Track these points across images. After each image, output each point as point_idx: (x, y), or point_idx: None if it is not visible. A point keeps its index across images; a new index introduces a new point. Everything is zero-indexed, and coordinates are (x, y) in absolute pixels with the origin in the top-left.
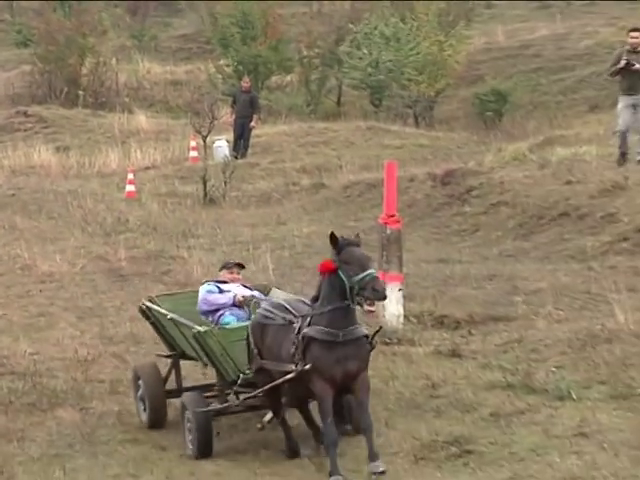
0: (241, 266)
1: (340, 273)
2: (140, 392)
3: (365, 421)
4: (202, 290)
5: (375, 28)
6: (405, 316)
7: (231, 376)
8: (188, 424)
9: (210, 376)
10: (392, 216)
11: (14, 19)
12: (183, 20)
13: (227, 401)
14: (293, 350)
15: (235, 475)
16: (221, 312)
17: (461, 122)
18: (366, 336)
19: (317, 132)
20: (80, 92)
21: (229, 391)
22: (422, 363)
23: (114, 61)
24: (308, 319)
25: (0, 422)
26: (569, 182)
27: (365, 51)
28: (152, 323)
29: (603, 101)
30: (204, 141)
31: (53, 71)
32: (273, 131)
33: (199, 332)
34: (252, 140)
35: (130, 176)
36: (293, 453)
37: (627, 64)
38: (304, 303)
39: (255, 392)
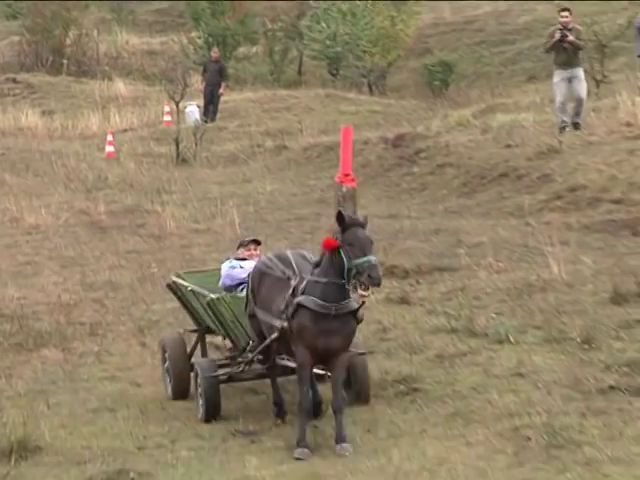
0: (257, 242)
1: (341, 252)
2: (166, 364)
3: (336, 402)
4: (225, 266)
5: (333, 4)
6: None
7: (242, 343)
8: (199, 389)
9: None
10: (347, 175)
11: None
12: None
13: (239, 368)
14: (283, 308)
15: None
16: (243, 286)
17: (411, 90)
18: (355, 311)
19: (280, 99)
20: (64, 61)
21: (241, 359)
22: (374, 309)
23: (95, 33)
24: (304, 283)
25: None
26: (508, 146)
27: (324, 25)
28: (179, 298)
29: (540, 72)
30: (177, 106)
31: (40, 41)
32: (240, 97)
33: (212, 299)
34: (220, 106)
35: (109, 138)
36: (281, 412)
37: (562, 36)
38: (308, 262)
39: (250, 347)
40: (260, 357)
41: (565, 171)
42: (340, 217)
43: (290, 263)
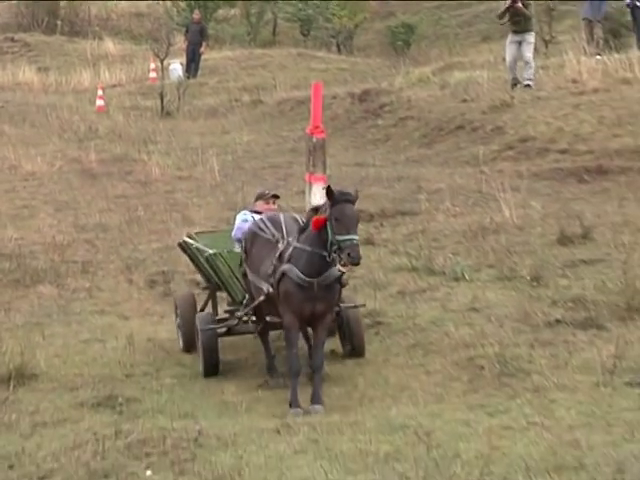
0: (276, 197)
1: (327, 226)
2: (178, 320)
3: (317, 360)
4: (238, 218)
5: None
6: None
7: (239, 297)
8: (199, 342)
9: None
10: (317, 127)
11: None
12: None
13: (234, 322)
14: (270, 272)
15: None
16: None
17: (376, 50)
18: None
19: (256, 57)
20: (58, 22)
21: (239, 313)
22: None
23: None
24: (290, 249)
25: None
26: (465, 100)
27: None
28: (189, 256)
29: (494, 33)
30: (162, 64)
31: (36, 4)
32: (219, 56)
33: (209, 255)
34: (201, 63)
35: (100, 92)
36: (272, 371)
37: (513, 2)
38: (299, 225)
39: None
40: (252, 317)
41: (516, 124)
42: (329, 192)
43: (281, 226)
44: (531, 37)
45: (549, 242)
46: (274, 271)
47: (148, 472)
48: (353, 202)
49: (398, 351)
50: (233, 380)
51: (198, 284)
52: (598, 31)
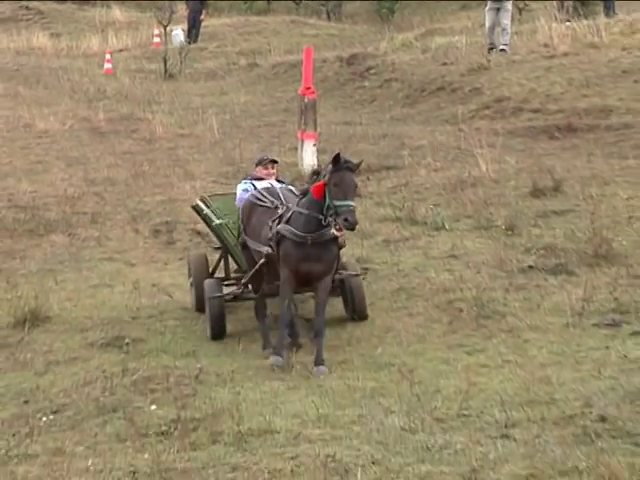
0: (275, 162)
1: (326, 191)
2: (190, 279)
3: (318, 324)
4: (239, 189)
5: None
6: (319, 165)
7: (244, 264)
8: (206, 308)
9: None
10: (309, 88)
11: None
12: None
13: (241, 289)
14: (270, 235)
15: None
16: None
17: (363, 17)
18: (335, 238)
19: (252, 24)
20: None
21: (244, 281)
22: None
23: None
24: (290, 213)
25: (6, 244)
26: (444, 63)
27: None
28: (202, 218)
29: (471, 2)
30: (165, 30)
31: None
32: (218, 23)
33: (215, 224)
34: (202, 30)
35: (108, 56)
36: (268, 344)
37: None
38: (295, 195)
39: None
40: (251, 286)
41: (492, 85)
42: (337, 158)
43: (278, 195)
44: (509, 4)
45: (522, 194)
46: (273, 235)
47: (153, 407)
48: (354, 170)
49: (383, 295)
50: (231, 320)
51: (199, 233)
52: None
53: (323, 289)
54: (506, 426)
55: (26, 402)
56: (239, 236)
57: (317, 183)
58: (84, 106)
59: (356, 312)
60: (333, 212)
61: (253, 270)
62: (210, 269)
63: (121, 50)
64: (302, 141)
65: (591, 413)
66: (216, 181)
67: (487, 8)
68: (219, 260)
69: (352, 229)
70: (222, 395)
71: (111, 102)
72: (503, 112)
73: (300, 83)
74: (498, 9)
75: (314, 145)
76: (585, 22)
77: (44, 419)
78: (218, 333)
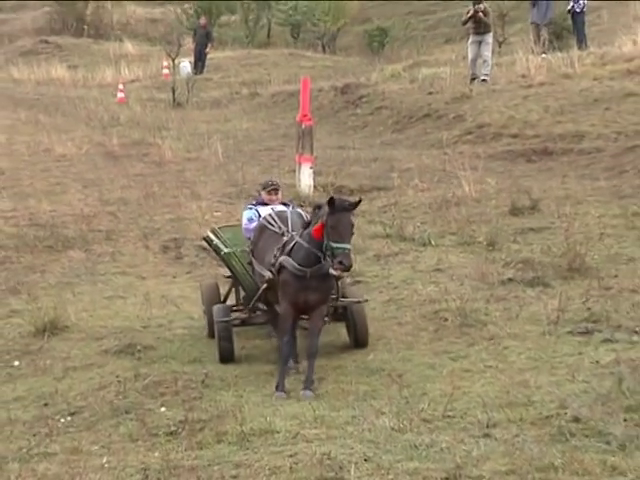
0: (277, 189)
1: (324, 232)
2: (203, 307)
3: (312, 348)
4: (244, 217)
5: None
6: (315, 186)
7: (251, 291)
8: (215, 332)
9: None
10: (305, 116)
11: None
12: None
13: (246, 315)
14: (273, 261)
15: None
16: None
17: (355, 50)
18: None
19: (253, 56)
20: (85, 26)
21: (250, 305)
22: None
23: (109, 5)
24: (292, 243)
25: (28, 259)
26: (430, 93)
27: None
28: (213, 248)
29: (455, 36)
30: (173, 62)
31: (66, 11)
32: (222, 55)
33: (224, 253)
34: (207, 62)
35: (120, 86)
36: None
37: (475, 12)
38: (303, 220)
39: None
40: (263, 307)
41: (474, 112)
42: (331, 202)
43: (287, 221)
44: (489, 38)
45: (502, 213)
46: (275, 262)
47: (162, 409)
48: (350, 211)
49: (375, 306)
50: (237, 331)
51: (205, 249)
52: (544, 33)
53: (318, 316)
54: (487, 426)
55: (46, 405)
56: (248, 254)
57: (316, 225)
58: (99, 132)
59: (358, 341)
60: (330, 253)
61: (258, 294)
62: (222, 297)
63: (133, 81)
64: (300, 164)
65: (566, 414)
66: (221, 201)
67: (470, 41)
68: (230, 289)
69: (347, 270)
70: (226, 398)
71: (124, 128)
72: (484, 137)
73: (298, 111)
74: (480, 42)
75: (311, 168)
76: (559, 54)
77: (62, 420)
78: (226, 356)
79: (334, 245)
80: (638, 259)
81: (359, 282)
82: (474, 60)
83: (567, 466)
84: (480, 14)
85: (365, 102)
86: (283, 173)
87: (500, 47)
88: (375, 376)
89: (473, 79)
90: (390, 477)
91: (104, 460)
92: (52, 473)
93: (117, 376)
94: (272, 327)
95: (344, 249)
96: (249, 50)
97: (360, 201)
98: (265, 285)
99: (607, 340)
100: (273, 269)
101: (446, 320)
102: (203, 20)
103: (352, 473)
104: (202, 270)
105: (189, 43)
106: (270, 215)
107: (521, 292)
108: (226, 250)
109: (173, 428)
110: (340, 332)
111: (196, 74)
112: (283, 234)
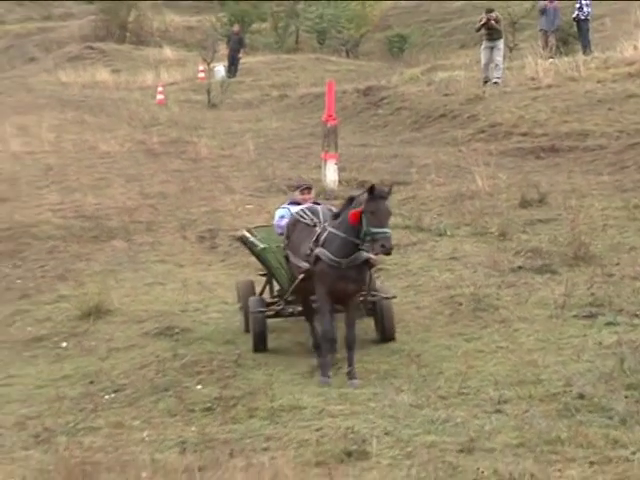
0: (309, 188)
1: (362, 218)
2: (239, 304)
3: (350, 336)
4: (276, 215)
5: None
6: (339, 181)
7: (285, 285)
8: (250, 323)
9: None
10: (331, 116)
11: None
12: None
13: (280, 306)
14: (309, 252)
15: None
16: None
17: (376, 55)
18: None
19: (282, 61)
20: (127, 34)
21: (285, 296)
22: None
23: (150, 14)
24: (325, 233)
25: (74, 248)
26: (446, 94)
27: (314, 8)
28: (248, 247)
29: (469, 42)
30: (208, 66)
31: (110, 19)
32: (254, 60)
33: (259, 249)
34: (240, 66)
35: (160, 89)
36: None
37: (488, 20)
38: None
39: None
40: (294, 297)
41: (487, 112)
42: (372, 189)
43: (318, 214)
44: (501, 44)
45: (513, 205)
46: (311, 252)
47: (199, 386)
48: (387, 198)
49: (395, 292)
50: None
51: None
52: (552, 39)
53: (352, 306)
54: (499, 402)
55: (91, 382)
56: (284, 248)
57: (353, 210)
58: (140, 131)
59: (385, 334)
60: (370, 238)
61: (294, 285)
62: (257, 293)
63: (171, 84)
64: (325, 161)
65: (571, 391)
66: (252, 194)
67: (483, 47)
68: (265, 284)
69: (388, 254)
70: (258, 376)
71: (163, 128)
72: (496, 135)
73: (323, 111)
74: (492, 48)
75: (335, 164)
76: (566, 59)
77: (106, 397)
78: (259, 346)
79: (374, 230)
80: (639, 248)
81: (380, 269)
82: (487, 64)
83: (572, 439)
84: (492, 22)
85: (386, 103)
86: (310, 169)
87: (511, 52)
88: (395, 356)
89: (486, 82)
90: (409, 449)
91: (145, 434)
92: (97, 446)
93: (157, 356)
94: (305, 318)
95: (385, 233)
96: (278, 55)
97: (392, 187)
98: (302, 275)
99: (610, 323)
100: (309, 259)
101: (461, 304)
102: (236, 27)
103: (374, 446)
104: (235, 258)
105: (223, 49)
106: (302, 210)
107: (530, 279)
108: (261, 245)
109: (208, 404)
110: (362, 318)
111: (230, 77)
112: (315, 225)
